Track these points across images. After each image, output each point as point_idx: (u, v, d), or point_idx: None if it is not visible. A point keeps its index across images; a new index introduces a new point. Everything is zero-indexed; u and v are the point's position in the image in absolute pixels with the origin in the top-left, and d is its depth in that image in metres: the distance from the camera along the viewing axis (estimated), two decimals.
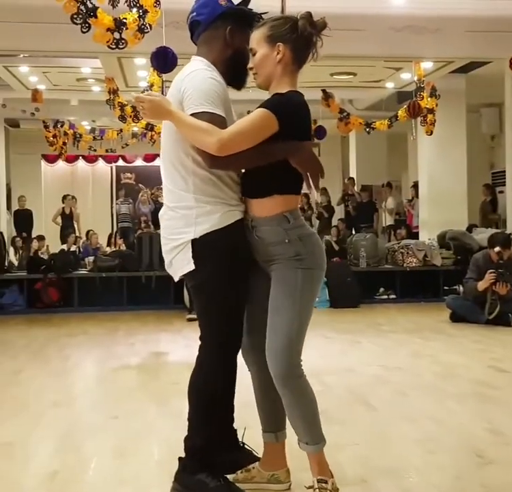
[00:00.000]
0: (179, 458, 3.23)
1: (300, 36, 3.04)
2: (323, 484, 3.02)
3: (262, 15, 3.26)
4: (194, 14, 3.24)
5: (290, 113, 2.98)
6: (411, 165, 16.45)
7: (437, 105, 12.00)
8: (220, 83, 3.09)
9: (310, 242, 3.11)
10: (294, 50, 3.06)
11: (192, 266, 3.11)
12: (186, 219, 3.10)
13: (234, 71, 3.22)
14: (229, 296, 3.14)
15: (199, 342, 3.24)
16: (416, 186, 15.29)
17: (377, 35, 9.41)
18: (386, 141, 17.19)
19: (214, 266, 3.10)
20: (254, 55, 3.12)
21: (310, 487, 3.06)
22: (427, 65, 11.72)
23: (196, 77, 3.06)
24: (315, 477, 3.05)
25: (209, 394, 3.19)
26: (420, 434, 4.21)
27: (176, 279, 3.27)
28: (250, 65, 3.16)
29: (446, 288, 11.51)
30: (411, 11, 8.97)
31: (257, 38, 3.09)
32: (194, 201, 3.08)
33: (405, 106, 11.91)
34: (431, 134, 12.26)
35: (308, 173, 3.03)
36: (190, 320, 9.31)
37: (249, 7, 3.28)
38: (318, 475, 3.05)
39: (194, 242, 3.08)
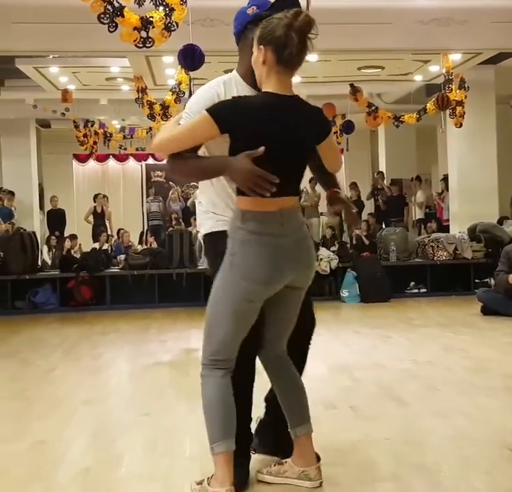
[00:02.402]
0: None
1: (278, 37, 2.98)
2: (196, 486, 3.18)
3: None
4: (233, 28, 3.33)
5: (234, 115, 2.96)
6: (441, 158, 16.33)
7: (466, 97, 11.92)
8: (211, 92, 3.19)
9: (246, 248, 3.01)
10: (275, 52, 3.00)
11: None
12: (201, 215, 3.41)
13: None
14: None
15: None
16: (445, 179, 15.20)
17: (405, 28, 9.38)
18: (415, 135, 17.11)
19: (213, 265, 3.24)
20: None
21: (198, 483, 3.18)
22: (455, 57, 11.60)
23: (196, 93, 3.28)
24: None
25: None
26: (451, 429, 4.19)
27: None
28: None
29: (477, 281, 11.46)
30: (437, 4, 8.94)
31: (254, 40, 3.10)
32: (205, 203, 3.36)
33: (434, 98, 11.82)
34: (460, 126, 12.18)
35: (248, 187, 2.94)
36: None
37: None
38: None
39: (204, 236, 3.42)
